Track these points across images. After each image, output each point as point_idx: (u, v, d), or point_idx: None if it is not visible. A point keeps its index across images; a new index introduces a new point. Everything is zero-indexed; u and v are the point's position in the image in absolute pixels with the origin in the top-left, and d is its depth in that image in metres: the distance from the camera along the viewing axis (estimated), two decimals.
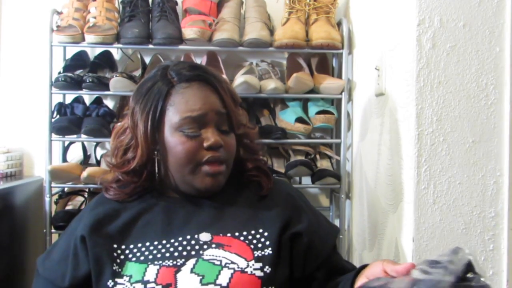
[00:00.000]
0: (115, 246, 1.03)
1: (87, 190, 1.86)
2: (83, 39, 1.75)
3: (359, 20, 1.77)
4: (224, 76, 1.73)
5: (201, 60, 1.88)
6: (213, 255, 1.00)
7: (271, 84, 1.75)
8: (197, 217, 1.07)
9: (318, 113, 1.78)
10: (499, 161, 1.21)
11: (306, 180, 1.87)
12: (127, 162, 1.08)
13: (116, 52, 1.94)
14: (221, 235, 1.03)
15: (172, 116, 1.05)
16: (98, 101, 1.88)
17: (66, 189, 1.88)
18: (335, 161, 1.87)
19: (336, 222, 1.87)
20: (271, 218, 1.07)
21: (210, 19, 1.79)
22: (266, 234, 1.04)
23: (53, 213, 1.78)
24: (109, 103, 1.94)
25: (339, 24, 1.83)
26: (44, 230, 1.75)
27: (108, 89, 1.73)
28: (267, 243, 1.03)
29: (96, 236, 1.03)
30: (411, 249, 1.21)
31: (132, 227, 1.06)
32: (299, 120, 1.78)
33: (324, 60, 1.94)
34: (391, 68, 1.37)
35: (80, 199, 1.86)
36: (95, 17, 1.77)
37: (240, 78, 1.72)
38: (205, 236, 1.03)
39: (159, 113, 1.05)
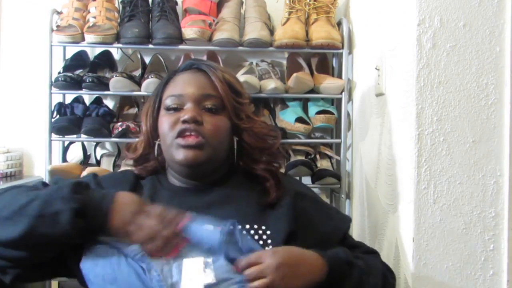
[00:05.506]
0: None
1: None
2: (83, 39, 1.75)
3: (359, 20, 1.77)
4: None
5: None
6: None
7: (271, 84, 1.75)
8: (200, 207, 1.07)
9: (318, 113, 1.78)
10: (499, 161, 1.21)
11: (306, 180, 1.87)
12: (133, 149, 1.20)
13: (116, 52, 1.94)
14: None
15: (164, 100, 1.14)
16: (98, 101, 1.88)
17: None
18: (335, 161, 1.87)
19: None
20: (275, 220, 1.07)
21: (210, 19, 1.79)
22: (268, 232, 1.05)
23: None
24: (109, 103, 1.94)
25: (339, 24, 1.83)
26: None
27: (108, 89, 1.73)
28: (269, 241, 1.04)
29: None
30: (411, 249, 1.20)
31: None
32: (299, 120, 1.78)
33: (324, 60, 1.94)
34: (391, 68, 1.37)
35: None
36: (95, 17, 1.77)
37: (240, 78, 1.72)
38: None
39: (158, 100, 1.15)
